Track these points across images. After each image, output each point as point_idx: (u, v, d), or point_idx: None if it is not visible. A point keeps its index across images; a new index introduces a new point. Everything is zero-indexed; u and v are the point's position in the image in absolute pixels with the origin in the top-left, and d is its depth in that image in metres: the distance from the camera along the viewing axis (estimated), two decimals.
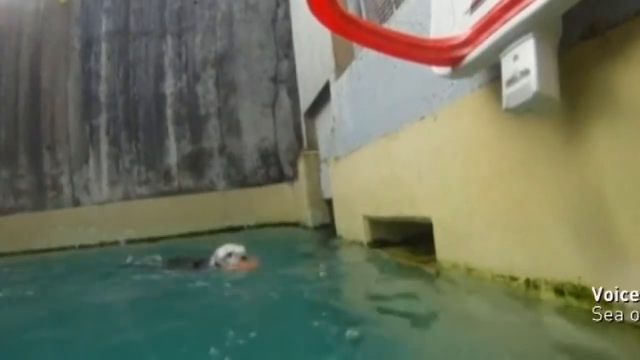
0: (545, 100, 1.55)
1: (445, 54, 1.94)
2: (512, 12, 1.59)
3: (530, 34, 1.56)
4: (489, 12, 1.72)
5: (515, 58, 1.63)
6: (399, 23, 3.19)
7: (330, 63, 5.36)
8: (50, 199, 9.43)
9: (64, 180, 9.50)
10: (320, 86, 6.16)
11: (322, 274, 3.54)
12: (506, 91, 1.69)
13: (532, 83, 1.54)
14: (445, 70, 2.05)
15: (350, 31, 1.89)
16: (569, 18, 1.60)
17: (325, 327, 2.11)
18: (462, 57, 1.90)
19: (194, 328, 2.34)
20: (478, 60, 1.85)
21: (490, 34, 1.71)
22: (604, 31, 1.53)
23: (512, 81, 1.65)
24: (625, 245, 1.51)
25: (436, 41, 2.03)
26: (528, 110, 1.64)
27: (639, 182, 1.42)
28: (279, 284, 3.22)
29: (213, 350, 1.84)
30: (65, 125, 9.61)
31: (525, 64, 1.58)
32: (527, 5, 1.52)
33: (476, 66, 1.93)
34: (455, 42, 1.90)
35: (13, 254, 8.42)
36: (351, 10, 4.86)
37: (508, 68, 1.68)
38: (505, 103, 1.70)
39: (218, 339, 1.97)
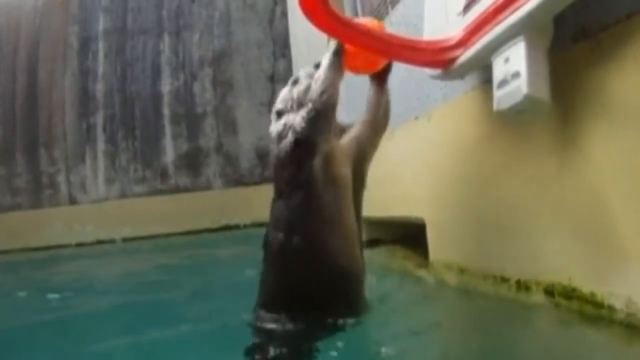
0: (535, 103, 1.56)
1: (437, 56, 1.95)
2: (504, 14, 1.59)
3: (521, 37, 1.56)
4: (482, 14, 1.72)
5: (506, 60, 1.64)
6: (394, 23, 3.19)
7: None
8: (47, 197, 9.43)
9: (61, 178, 9.50)
10: None
11: None
12: (497, 93, 1.69)
13: (522, 85, 1.54)
14: (437, 72, 2.06)
15: (341, 32, 1.89)
16: (560, 20, 1.60)
17: None
18: (454, 59, 1.90)
19: None
20: (469, 62, 1.85)
21: (482, 35, 1.72)
22: (596, 34, 1.54)
23: (502, 83, 1.65)
24: (617, 246, 1.51)
25: (429, 43, 2.03)
26: (519, 112, 1.64)
27: (634, 182, 1.42)
28: None
29: None
30: (62, 123, 9.61)
31: (515, 66, 1.58)
32: (519, 7, 1.52)
33: (468, 68, 1.94)
34: (447, 44, 1.91)
35: (9, 251, 8.43)
36: (347, 9, 4.86)
37: (499, 70, 1.69)
38: (495, 105, 1.70)
39: None
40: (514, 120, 1.98)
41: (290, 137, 1.99)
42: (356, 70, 2.15)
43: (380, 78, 2.28)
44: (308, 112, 1.96)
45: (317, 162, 1.94)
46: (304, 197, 1.95)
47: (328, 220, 1.95)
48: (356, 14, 4.76)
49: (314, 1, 1.77)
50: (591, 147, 1.57)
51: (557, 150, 1.74)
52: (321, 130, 1.95)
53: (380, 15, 4.00)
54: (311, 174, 1.93)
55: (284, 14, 9.08)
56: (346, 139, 2.20)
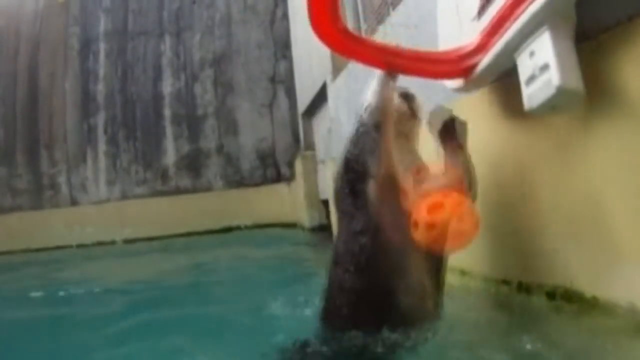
0: (569, 94, 1.46)
1: (455, 65, 1.86)
2: (522, 6, 1.53)
3: (545, 26, 1.49)
4: (498, 13, 1.65)
5: (532, 54, 1.55)
6: (395, 25, 3.18)
7: (327, 64, 5.36)
8: (48, 198, 9.44)
9: (61, 179, 9.50)
10: (317, 87, 6.15)
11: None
12: (526, 91, 1.59)
13: (553, 77, 1.45)
14: (458, 83, 1.97)
15: (355, 50, 1.85)
16: None
17: None
18: (474, 66, 1.81)
19: None
20: (491, 65, 1.76)
21: (502, 33, 1.64)
22: (596, 35, 1.53)
23: (531, 79, 1.56)
24: (619, 249, 1.50)
25: (445, 53, 1.96)
26: (552, 107, 1.53)
27: (635, 185, 1.42)
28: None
29: None
30: (63, 124, 9.61)
31: (543, 59, 1.50)
32: None
33: (489, 72, 1.83)
34: (465, 51, 1.83)
35: (10, 252, 8.43)
36: (348, 10, 4.86)
37: (525, 66, 1.60)
38: (526, 103, 1.60)
39: None
40: (514, 123, 1.97)
41: (342, 158, 1.75)
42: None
43: (448, 140, 1.93)
44: (355, 128, 1.75)
45: (371, 188, 1.66)
46: (361, 229, 1.65)
47: (390, 264, 1.65)
48: (357, 16, 4.75)
49: (325, 21, 1.73)
50: (593, 147, 1.56)
51: (558, 152, 1.73)
52: (368, 149, 1.68)
53: (381, 16, 4.00)
54: (365, 202, 1.65)
55: (285, 16, 9.08)
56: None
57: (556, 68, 1.44)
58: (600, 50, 1.51)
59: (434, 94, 2.70)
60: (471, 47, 1.80)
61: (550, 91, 1.46)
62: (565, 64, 1.45)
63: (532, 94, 1.56)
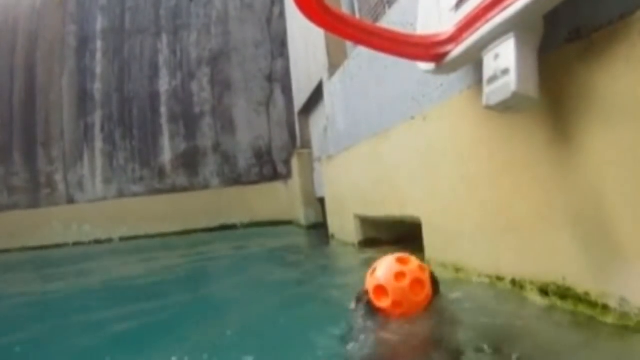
0: (523, 99, 1.59)
1: (429, 50, 1.96)
2: (494, 12, 1.61)
3: (511, 34, 1.59)
4: (473, 11, 1.74)
5: (496, 57, 1.66)
6: (390, 23, 3.19)
7: (324, 62, 5.36)
8: (44, 196, 9.43)
9: (58, 177, 9.49)
10: (313, 85, 6.16)
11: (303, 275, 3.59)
12: (487, 89, 1.72)
13: (511, 82, 1.57)
14: (429, 66, 2.07)
15: (334, 25, 1.91)
16: (555, 20, 1.61)
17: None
18: (446, 54, 1.92)
19: None
20: (460, 57, 1.87)
21: (473, 32, 1.74)
22: (589, 34, 1.55)
23: (492, 79, 1.68)
24: (611, 245, 1.52)
25: (421, 37, 2.05)
26: (507, 107, 1.67)
27: (628, 180, 1.43)
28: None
29: None
30: (60, 122, 9.60)
31: (505, 63, 1.61)
32: (509, 6, 1.54)
33: (459, 63, 1.96)
34: (439, 39, 1.93)
35: (7, 251, 8.44)
36: (344, 8, 4.86)
37: (489, 66, 1.71)
38: (485, 100, 1.73)
39: None
40: (509, 119, 1.99)
41: None
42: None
43: None
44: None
45: None
46: None
47: None
48: (353, 13, 4.76)
49: None
50: (586, 145, 1.58)
51: (551, 148, 1.75)
52: None
53: (377, 14, 4.01)
54: None
55: (282, 14, 9.08)
56: None
57: (515, 74, 1.57)
58: (593, 49, 1.53)
59: (432, 90, 2.72)
60: (445, 37, 1.91)
61: (506, 94, 1.60)
62: (525, 72, 1.58)
63: (491, 93, 1.70)
